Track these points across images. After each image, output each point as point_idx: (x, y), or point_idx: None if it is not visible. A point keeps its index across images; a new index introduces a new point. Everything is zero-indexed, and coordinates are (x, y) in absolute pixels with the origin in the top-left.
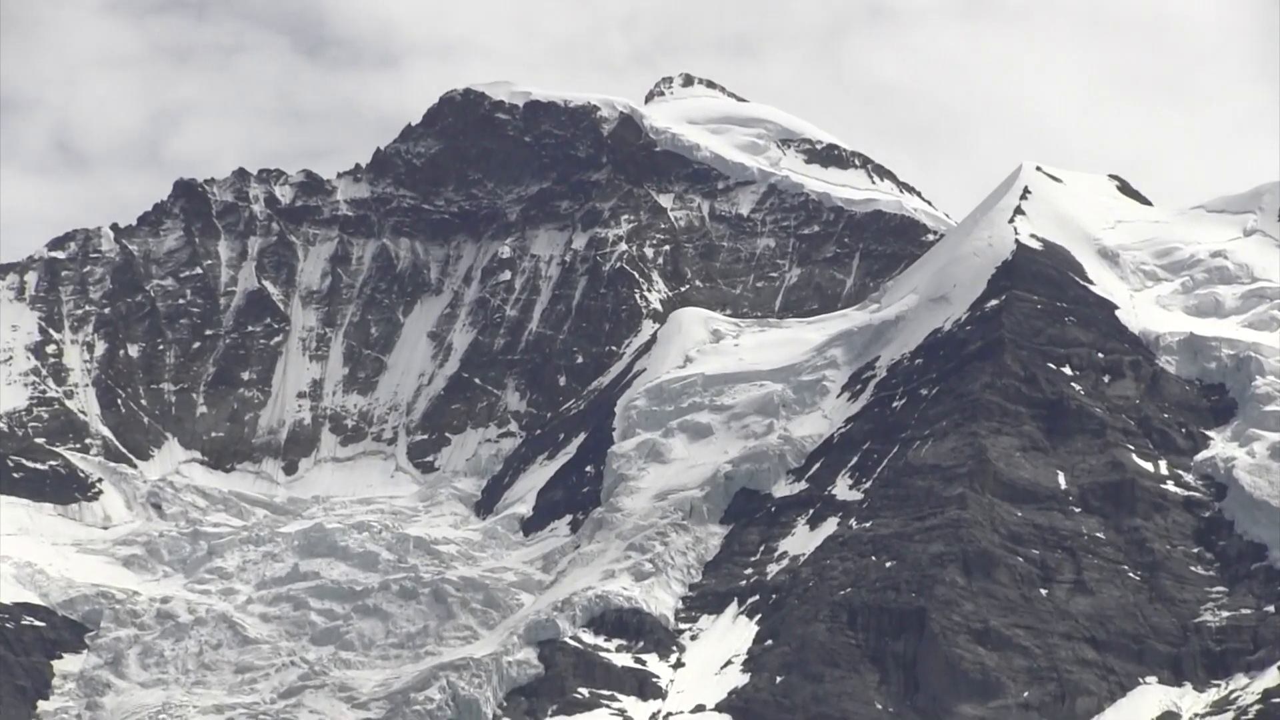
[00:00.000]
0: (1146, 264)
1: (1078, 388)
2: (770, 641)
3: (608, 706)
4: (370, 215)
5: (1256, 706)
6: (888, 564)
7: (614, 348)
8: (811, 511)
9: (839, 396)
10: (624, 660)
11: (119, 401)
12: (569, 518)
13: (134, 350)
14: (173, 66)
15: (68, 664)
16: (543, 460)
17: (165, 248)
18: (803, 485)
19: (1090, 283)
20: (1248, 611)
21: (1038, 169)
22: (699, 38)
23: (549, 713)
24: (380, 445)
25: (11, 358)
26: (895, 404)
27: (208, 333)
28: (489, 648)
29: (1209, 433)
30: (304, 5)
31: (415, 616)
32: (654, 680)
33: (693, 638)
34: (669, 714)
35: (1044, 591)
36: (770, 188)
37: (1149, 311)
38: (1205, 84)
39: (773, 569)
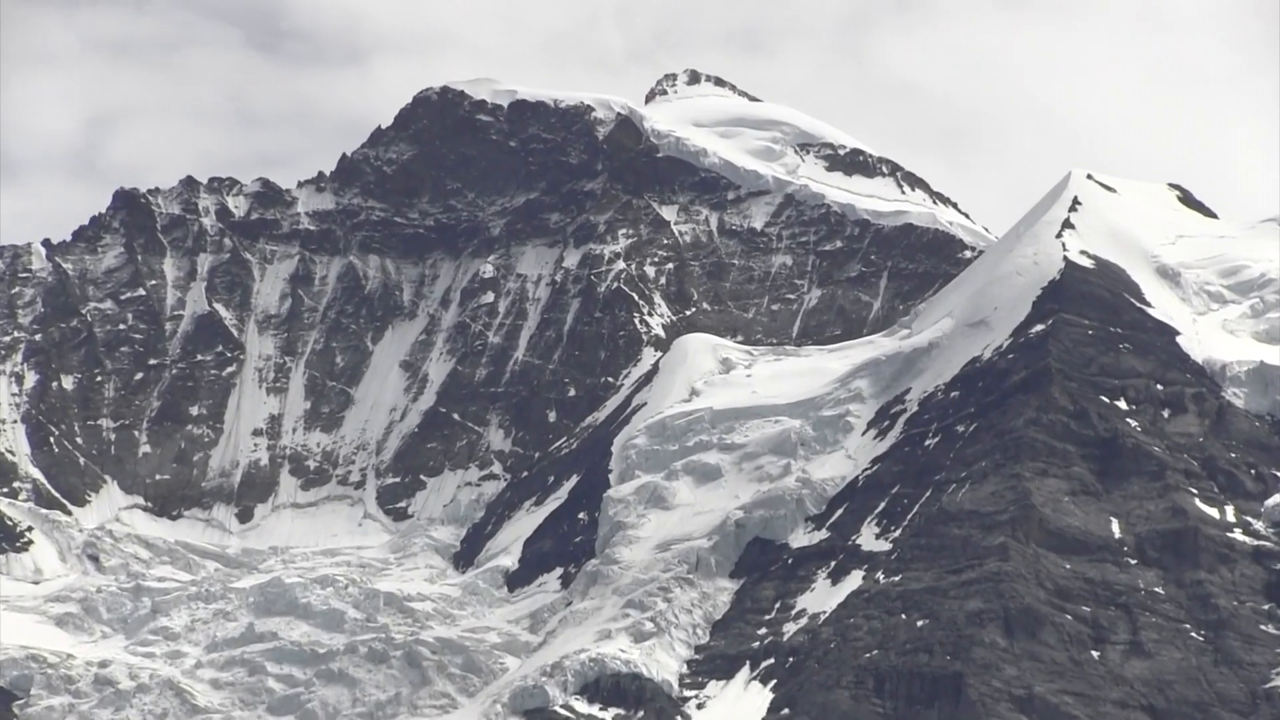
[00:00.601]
0: (1211, 284)
1: (1134, 424)
2: (787, 710)
3: None
4: (335, 230)
5: None
6: (919, 623)
7: (610, 379)
8: (833, 564)
9: (864, 434)
10: None
11: (51, 440)
12: (559, 571)
13: (69, 382)
14: (110, 63)
15: None
16: (530, 506)
17: (104, 266)
18: (823, 534)
19: (1148, 305)
20: None
21: (1088, 177)
22: (705, 30)
23: None
24: (346, 489)
25: None
26: (928, 442)
27: (152, 362)
28: (470, 718)
29: None
30: None
31: (386, 683)
32: None
33: (699, 706)
34: None
35: (1095, 654)
36: (787, 198)
37: (1214, 338)
38: (1273, 82)
39: (789, 629)
